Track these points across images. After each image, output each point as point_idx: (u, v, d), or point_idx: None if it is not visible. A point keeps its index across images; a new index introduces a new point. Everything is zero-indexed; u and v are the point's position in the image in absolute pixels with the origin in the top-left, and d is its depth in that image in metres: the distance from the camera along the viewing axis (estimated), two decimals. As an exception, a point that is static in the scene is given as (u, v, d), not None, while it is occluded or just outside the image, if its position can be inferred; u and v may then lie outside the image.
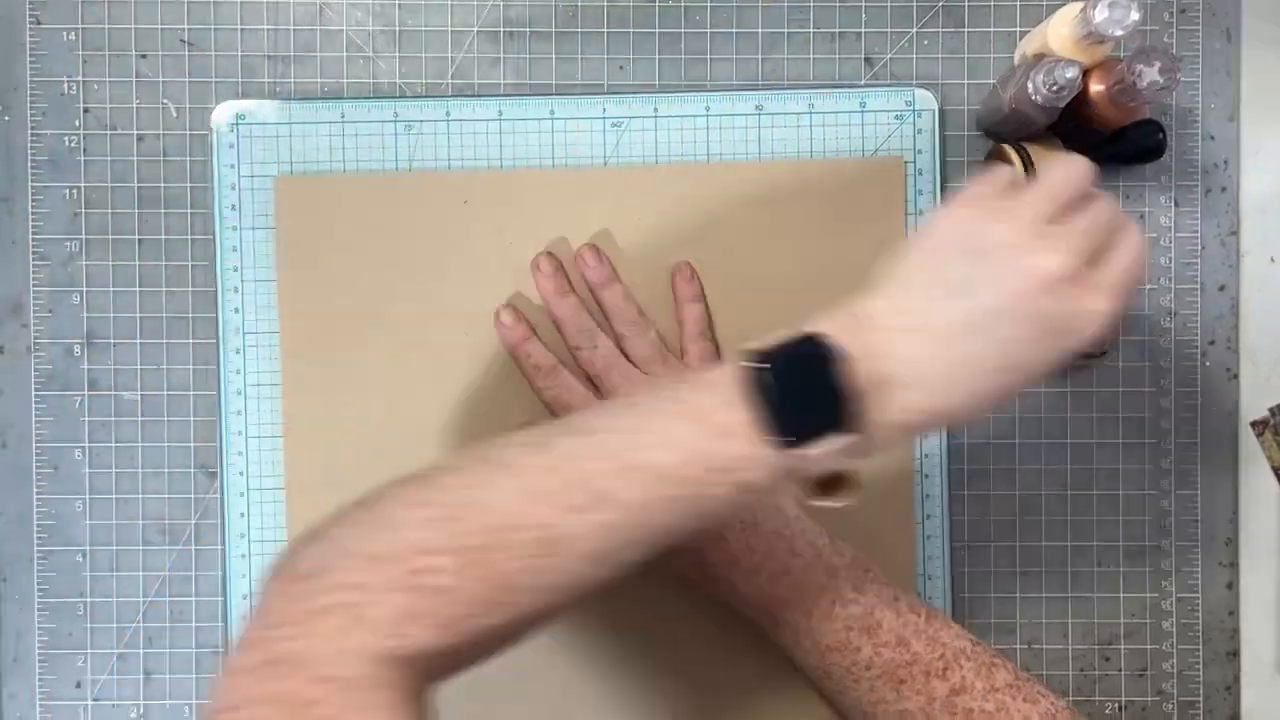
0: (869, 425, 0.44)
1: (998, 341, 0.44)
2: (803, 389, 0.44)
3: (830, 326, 0.45)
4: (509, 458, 0.46)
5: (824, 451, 0.44)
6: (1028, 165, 0.60)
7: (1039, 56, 0.58)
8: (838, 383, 0.44)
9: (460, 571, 0.43)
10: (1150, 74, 0.55)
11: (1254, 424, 0.66)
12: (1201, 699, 0.66)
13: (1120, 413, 0.66)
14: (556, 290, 0.63)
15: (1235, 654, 0.66)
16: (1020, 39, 0.65)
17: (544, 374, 0.62)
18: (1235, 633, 0.66)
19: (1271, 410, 0.66)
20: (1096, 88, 0.57)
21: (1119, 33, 0.55)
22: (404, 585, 0.42)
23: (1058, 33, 0.58)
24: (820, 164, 0.65)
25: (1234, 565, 0.66)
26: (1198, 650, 0.66)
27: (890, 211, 0.65)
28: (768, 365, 0.44)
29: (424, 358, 0.64)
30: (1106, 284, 0.44)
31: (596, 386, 0.62)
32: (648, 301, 0.64)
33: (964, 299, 0.44)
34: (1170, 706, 0.66)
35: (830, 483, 0.48)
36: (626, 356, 0.62)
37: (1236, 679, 0.66)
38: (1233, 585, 0.66)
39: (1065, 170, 0.46)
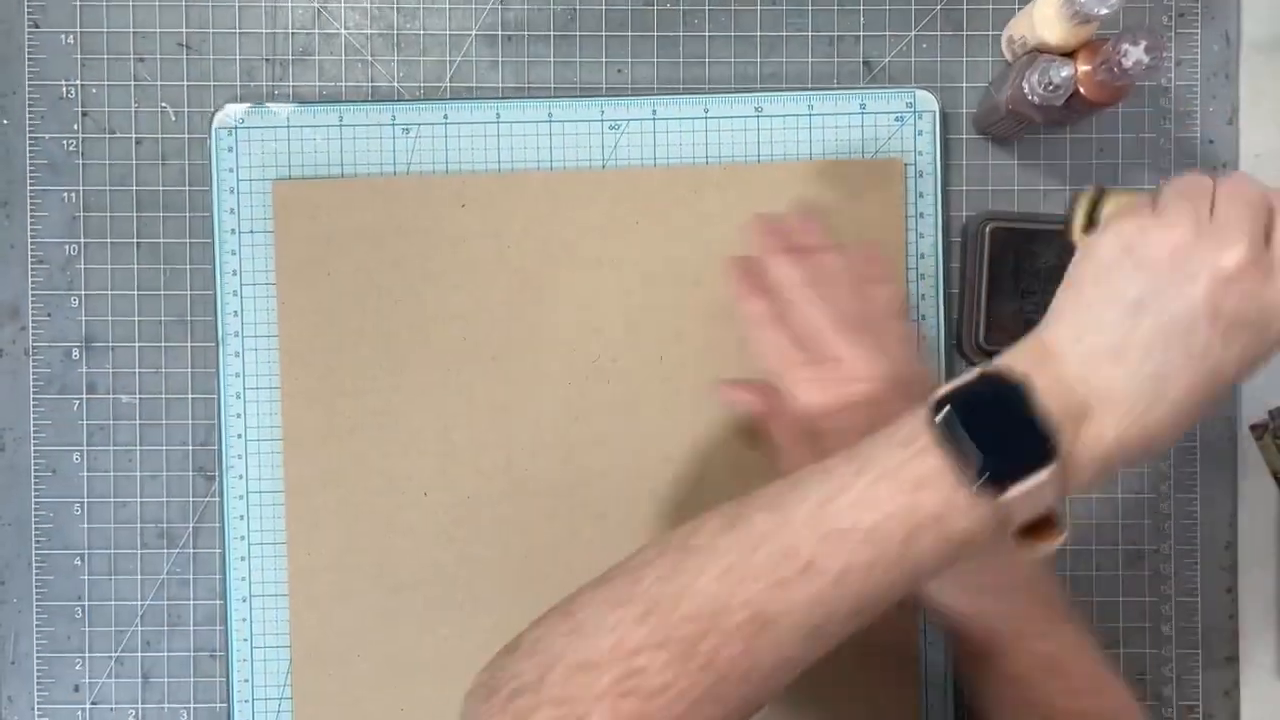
0: (1070, 459, 0.42)
1: (1191, 351, 0.42)
2: (995, 427, 0.42)
3: (1013, 361, 0.44)
4: (702, 541, 0.44)
5: (1027, 490, 0.42)
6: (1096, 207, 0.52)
7: (1032, 55, 0.58)
8: (1030, 415, 0.42)
9: (674, 666, 0.41)
10: (1135, 53, 0.55)
11: (1253, 428, 0.66)
12: (1201, 703, 0.66)
13: (1119, 416, 0.66)
14: (772, 249, 0.58)
15: (1234, 658, 0.66)
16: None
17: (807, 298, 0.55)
18: (1234, 637, 0.66)
19: (1270, 414, 0.66)
20: (1083, 68, 0.57)
21: (1103, 11, 0.55)
22: (619, 690, 0.41)
23: (1043, 13, 0.58)
24: (821, 165, 0.65)
25: (1233, 569, 0.66)
26: (1197, 654, 0.66)
27: (890, 213, 0.65)
28: (954, 408, 0.42)
29: (422, 361, 0.64)
30: None
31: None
32: (646, 303, 0.64)
33: (1149, 314, 0.43)
34: (1170, 711, 0.66)
35: (1038, 526, 0.44)
36: None
37: (1236, 683, 0.66)
38: (1232, 589, 0.66)
39: (1187, 176, 0.45)
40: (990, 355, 0.63)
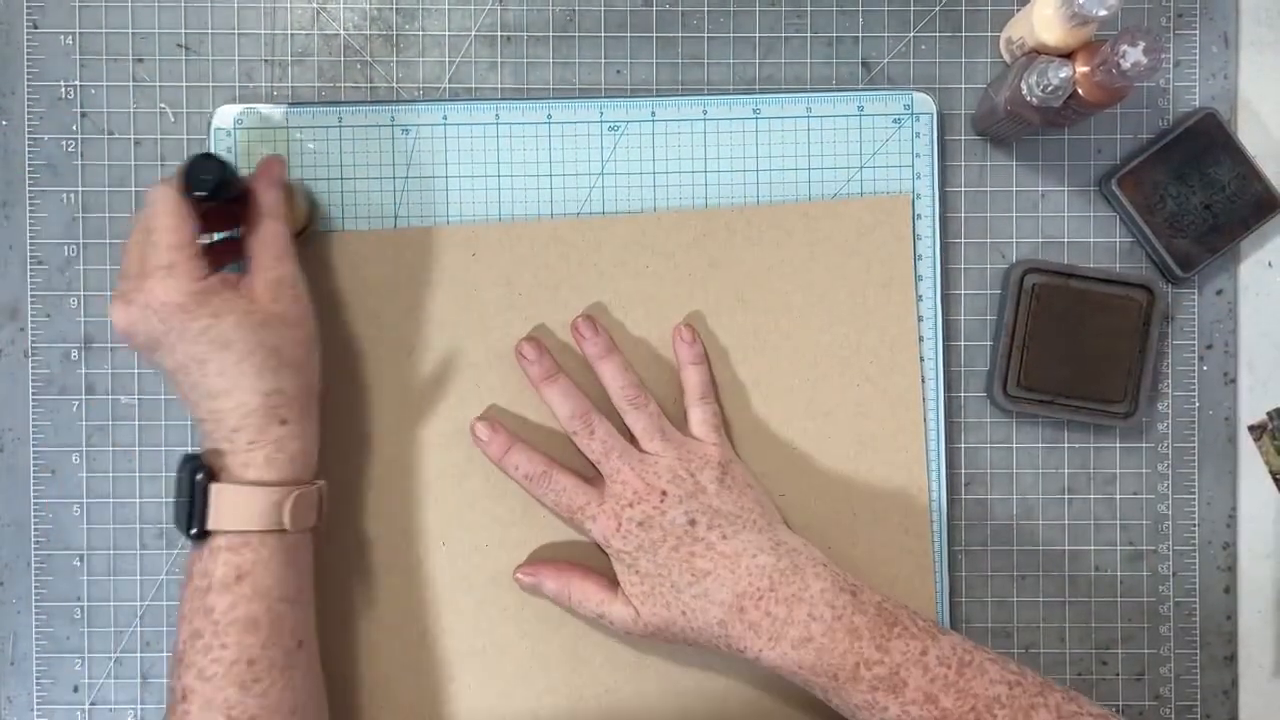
0: None
1: None
2: None
3: None
4: None
5: None
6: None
7: (1031, 56, 0.58)
8: None
9: None
10: (1134, 54, 0.55)
11: (1252, 428, 0.66)
12: (1199, 703, 0.66)
13: (1118, 417, 0.66)
14: (543, 375, 0.62)
15: (1233, 658, 0.66)
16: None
17: (536, 482, 0.61)
18: (1233, 637, 0.66)
19: (1269, 414, 0.66)
20: (1081, 69, 0.57)
21: (1102, 12, 0.55)
22: None
23: (1042, 14, 0.58)
24: (828, 205, 0.65)
25: (1232, 569, 0.66)
26: (1195, 654, 0.66)
27: (899, 250, 0.65)
28: None
29: (436, 411, 0.64)
30: None
31: (598, 470, 0.62)
32: (659, 346, 0.64)
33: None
34: (1168, 711, 0.66)
35: None
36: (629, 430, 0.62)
37: (1234, 683, 0.66)
38: (1230, 589, 0.66)
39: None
40: (1017, 404, 0.64)
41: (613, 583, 0.61)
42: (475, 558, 0.64)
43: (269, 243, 0.56)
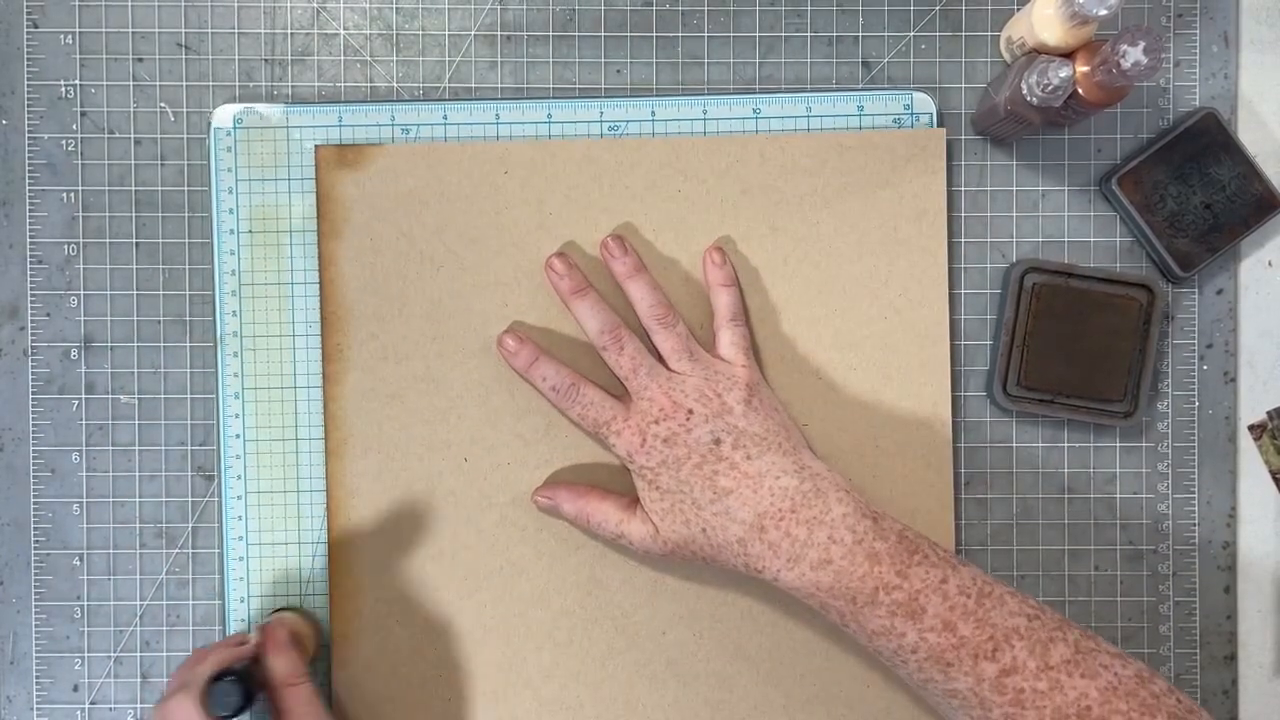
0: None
1: None
2: None
3: None
4: None
5: None
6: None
7: (1031, 56, 0.58)
8: None
9: None
10: (1134, 54, 0.55)
11: (1252, 428, 0.66)
12: (1199, 703, 0.66)
13: (1118, 416, 0.66)
14: (573, 289, 0.62)
15: (1233, 658, 0.66)
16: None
17: (563, 395, 0.61)
18: (1233, 636, 0.66)
19: (1269, 414, 0.66)
20: (1081, 69, 0.57)
21: (1102, 12, 0.55)
22: None
23: (1042, 14, 0.58)
24: (861, 136, 0.64)
25: (1232, 569, 0.66)
26: (1195, 654, 0.66)
27: (932, 183, 0.64)
28: None
29: (463, 327, 0.64)
30: None
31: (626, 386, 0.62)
32: (689, 269, 0.64)
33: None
34: (1168, 710, 0.66)
35: None
36: (657, 350, 0.62)
37: (1234, 683, 0.66)
38: (1230, 589, 0.66)
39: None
40: (1017, 403, 0.64)
41: (632, 503, 0.61)
42: (496, 476, 0.64)
43: (299, 712, 0.57)
